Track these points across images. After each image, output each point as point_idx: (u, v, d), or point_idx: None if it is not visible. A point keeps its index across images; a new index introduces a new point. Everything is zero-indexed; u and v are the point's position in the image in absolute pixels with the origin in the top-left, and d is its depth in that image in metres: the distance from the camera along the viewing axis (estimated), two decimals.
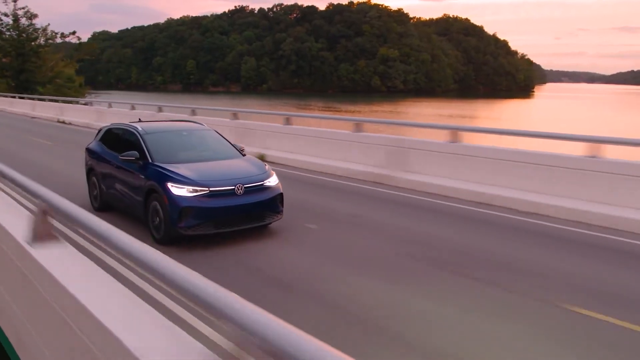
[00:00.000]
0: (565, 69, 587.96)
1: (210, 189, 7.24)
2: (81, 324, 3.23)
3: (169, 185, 7.21)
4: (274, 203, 7.77)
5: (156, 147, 8.10)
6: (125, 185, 8.33)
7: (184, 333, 2.90)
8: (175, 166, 7.62)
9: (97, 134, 9.84)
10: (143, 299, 3.43)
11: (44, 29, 52.65)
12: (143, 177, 7.78)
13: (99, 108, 26.94)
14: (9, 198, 5.88)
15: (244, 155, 8.78)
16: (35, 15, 51.67)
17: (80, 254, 4.17)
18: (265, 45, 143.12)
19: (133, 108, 23.30)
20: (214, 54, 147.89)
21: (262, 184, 7.70)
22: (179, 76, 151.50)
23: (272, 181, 7.89)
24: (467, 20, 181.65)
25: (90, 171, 9.52)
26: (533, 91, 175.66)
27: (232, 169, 7.95)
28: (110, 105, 26.36)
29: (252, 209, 7.52)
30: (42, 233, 4.16)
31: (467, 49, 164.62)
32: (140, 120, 9.77)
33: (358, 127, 13.63)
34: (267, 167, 8.24)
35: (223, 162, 8.22)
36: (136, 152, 8.00)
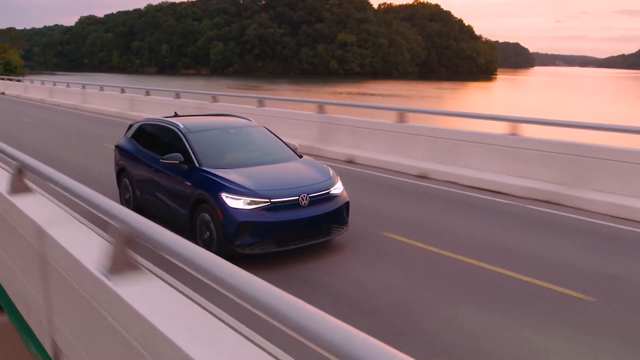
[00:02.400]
0: (563, 53, 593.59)
1: (272, 200, 6.29)
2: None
3: (223, 196, 6.26)
4: (340, 214, 6.87)
5: (203, 149, 7.14)
6: (166, 192, 7.38)
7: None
8: (227, 172, 6.70)
9: (128, 130, 8.89)
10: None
11: None
12: (189, 184, 6.80)
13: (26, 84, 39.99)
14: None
15: (300, 156, 7.76)
16: None
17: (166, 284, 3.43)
18: (232, 30, 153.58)
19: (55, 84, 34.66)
20: (186, 39, 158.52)
21: (328, 193, 6.79)
22: (155, 59, 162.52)
23: (338, 188, 7.00)
24: (436, 6, 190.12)
25: (121, 172, 8.56)
26: (495, 74, 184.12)
27: (293, 174, 7.07)
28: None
29: (318, 222, 6.60)
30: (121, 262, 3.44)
31: (431, 33, 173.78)
32: (176, 115, 8.83)
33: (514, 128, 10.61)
34: (331, 171, 7.28)
35: (281, 166, 7.28)
36: (180, 155, 7.00)
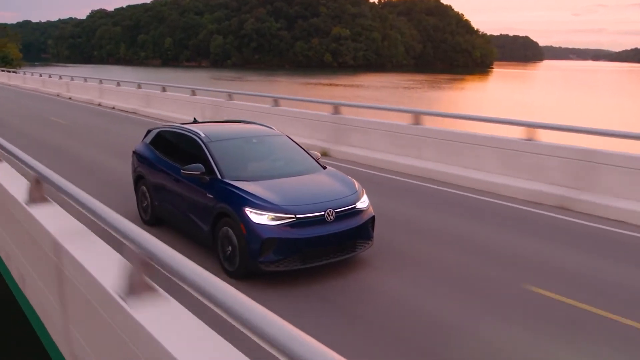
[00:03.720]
0: (577, 46, 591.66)
1: (297, 215, 6.04)
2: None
3: (247, 210, 6.00)
4: (365, 229, 6.58)
5: (225, 160, 6.85)
6: (186, 203, 7.07)
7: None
8: (250, 185, 6.40)
9: (146, 135, 8.59)
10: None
11: None
12: (211, 196, 6.50)
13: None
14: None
15: (324, 167, 7.42)
16: None
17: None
18: (231, 24, 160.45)
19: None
20: (188, 32, 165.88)
21: (354, 207, 6.49)
22: (159, 52, 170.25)
23: (364, 202, 6.70)
24: (436, 0, 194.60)
25: (139, 179, 8.27)
26: (492, 68, 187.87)
27: (318, 188, 6.79)
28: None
29: (344, 238, 6.34)
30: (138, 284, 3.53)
31: (427, 27, 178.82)
32: (195, 121, 8.63)
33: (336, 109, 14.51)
34: (356, 184, 6.95)
35: (305, 179, 6.98)
36: (201, 166, 6.67)
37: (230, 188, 6.37)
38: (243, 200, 6.12)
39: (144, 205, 8.15)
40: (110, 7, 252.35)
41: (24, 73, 44.09)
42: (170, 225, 7.72)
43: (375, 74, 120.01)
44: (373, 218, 6.74)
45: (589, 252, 7.28)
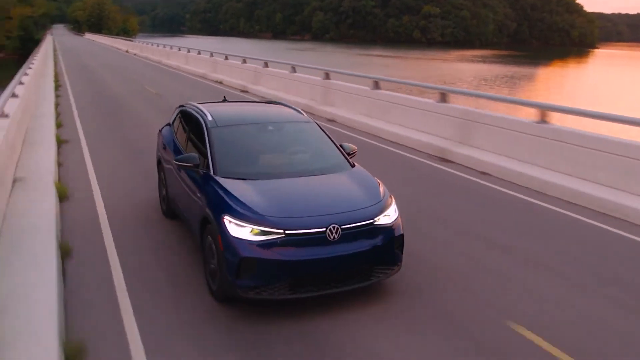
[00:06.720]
0: None
1: (287, 231, 4.58)
2: None
3: (226, 220, 4.68)
4: (388, 251, 4.97)
5: (225, 150, 5.57)
6: (184, 200, 5.98)
7: None
8: (242, 185, 5.10)
9: (173, 114, 7.42)
10: None
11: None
12: (200, 196, 5.29)
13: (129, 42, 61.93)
14: None
15: (352, 165, 5.87)
16: None
17: None
18: (332, 2, 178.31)
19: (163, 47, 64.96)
20: (296, 9, 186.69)
21: (372, 223, 4.86)
22: (271, 26, 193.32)
23: (389, 215, 5.06)
24: None
25: (158, 164, 7.37)
26: (595, 47, 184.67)
27: (328, 194, 5.26)
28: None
29: (354, 263, 4.80)
30: None
31: (524, 6, 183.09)
32: (225, 100, 7.52)
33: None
34: (382, 190, 5.33)
35: (317, 180, 5.45)
36: (195, 157, 5.54)
37: (216, 188, 5.08)
38: (224, 205, 4.81)
39: (163, 193, 7.09)
40: None
41: (137, 42, 61.77)
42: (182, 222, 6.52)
43: (453, 51, 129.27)
44: (401, 237, 5.10)
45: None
